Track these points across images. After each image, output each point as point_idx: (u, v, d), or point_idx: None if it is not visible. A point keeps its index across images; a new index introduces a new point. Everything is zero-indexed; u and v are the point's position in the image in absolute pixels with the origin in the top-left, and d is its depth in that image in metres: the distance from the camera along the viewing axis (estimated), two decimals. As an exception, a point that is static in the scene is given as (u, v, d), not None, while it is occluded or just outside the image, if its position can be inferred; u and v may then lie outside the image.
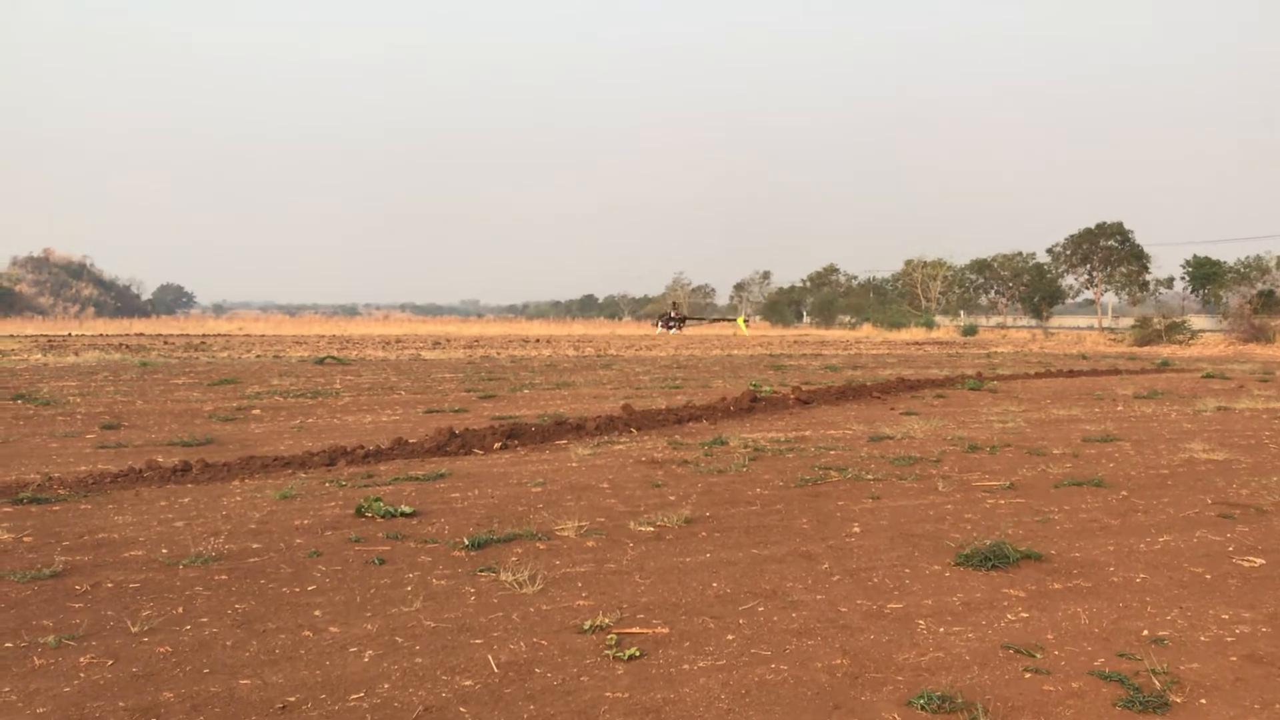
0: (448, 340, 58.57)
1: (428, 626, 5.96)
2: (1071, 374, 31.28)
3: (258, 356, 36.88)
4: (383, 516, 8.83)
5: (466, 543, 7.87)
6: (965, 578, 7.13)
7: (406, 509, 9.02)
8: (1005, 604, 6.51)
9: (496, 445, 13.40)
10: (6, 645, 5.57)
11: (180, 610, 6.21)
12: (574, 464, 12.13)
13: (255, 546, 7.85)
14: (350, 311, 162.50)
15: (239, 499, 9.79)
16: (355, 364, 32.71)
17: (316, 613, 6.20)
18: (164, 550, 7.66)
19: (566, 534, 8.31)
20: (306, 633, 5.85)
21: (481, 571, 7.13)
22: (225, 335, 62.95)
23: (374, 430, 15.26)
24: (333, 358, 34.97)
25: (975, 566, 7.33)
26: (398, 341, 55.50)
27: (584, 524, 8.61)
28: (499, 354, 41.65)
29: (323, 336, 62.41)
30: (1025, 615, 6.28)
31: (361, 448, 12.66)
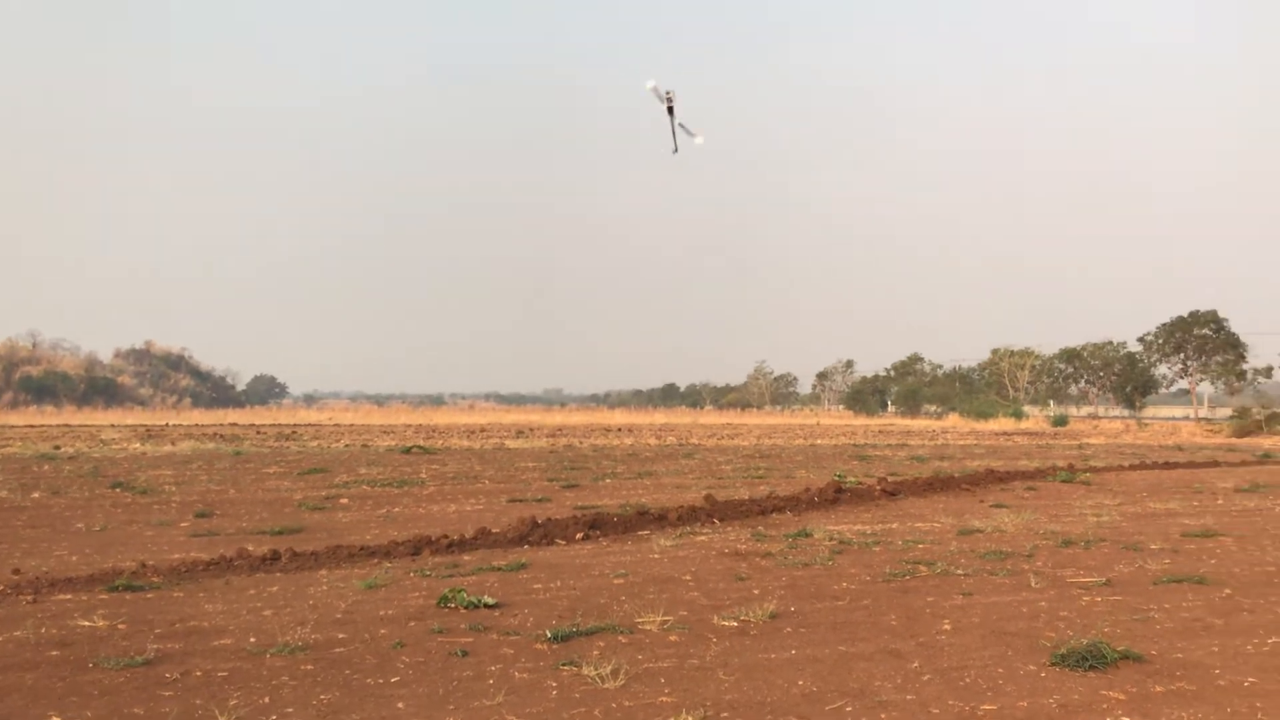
0: (531, 429, 59.07)
1: (510, 720, 5.92)
2: (1168, 466, 30.30)
3: (346, 446, 37.58)
4: (466, 607, 8.85)
5: (549, 635, 7.84)
6: (1061, 679, 6.87)
7: (489, 600, 9.03)
8: (1104, 707, 6.25)
9: (579, 535, 13.40)
10: (100, 731, 5.67)
11: (267, 700, 6.27)
12: (656, 555, 12.05)
13: (340, 636, 7.91)
14: (436, 401, 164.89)
15: (325, 588, 9.91)
16: (440, 453, 33.12)
17: (400, 704, 6.21)
18: (252, 639, 7.77)
19: (649, 628, 8.23)
20: (390, 725, 5.85)
21: (564, 665, 7.08)
22: (315, 425, 64.36)
23: (458, 519, 15.38)
24: (419, 447, 35.48)
25: (1072, 667, 7.07)
26: (482, 431, 56.12)
27: (667, 617, 8.52)
28: (581, 443, 41.83)
29: (409, 426, 63.49)
30: (1126, 719, 6.02)
31: (446, 537, 12.76)
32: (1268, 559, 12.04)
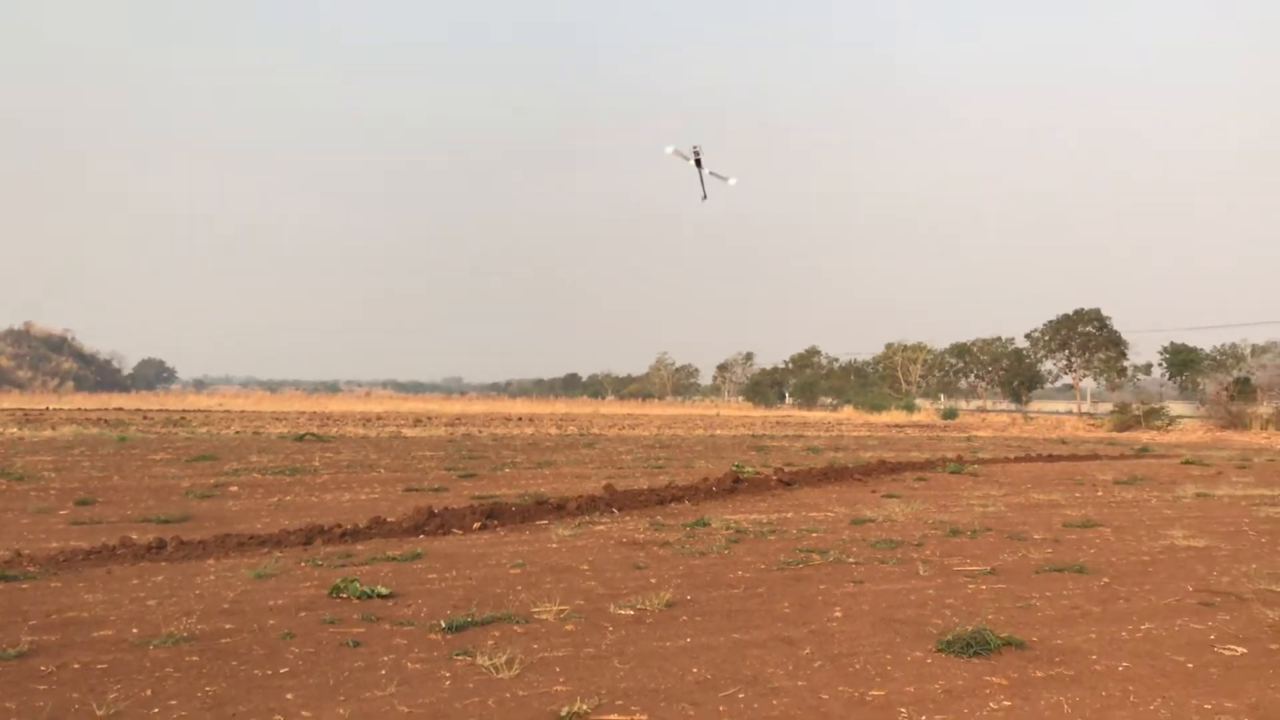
0: (429, 418, 58.41)
1: (401, 711, 5.85)
2: (1051, 459, 31.36)
3: (237, 433, 36.67)
4: (358, 597, 8.71)
5: (443, 625, 7.76)
6: (947, 665, 7.06)
7: (383, 590, 8.90)
8: (987, 692, 6.44)
9: (476, 525, 13.29)
10: (-32, 728, 5.43)
11: (149, 693, 6.07)
12: (554, 545, 12.03)
13: (228, 627, 7.72)
14: (331, 388, 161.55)
15: (213, 578, 9.65)
16: (335, 441, 32.54)
17: (289, 696, 6.08)
18: (134, 630, 7.53)
19: (545, 617, 8.20)
20: (278, 717, 5.73)
21: (458, 655, 7.02)
22: (205, 411, 62.65)
23: (352, 509, 15.12)
24: (312, 435, 34.79)
25: (957, 653, 7.27)
26: (378, 419, 55.30)
27: (563, 607, 8.51)
28: (480, 432, 41.53)
29: (303, 413, 62.23)
30: (1008, 704, 6.21)
31: (339, 526, 12.53)
32: (1143, 549, 12.55)
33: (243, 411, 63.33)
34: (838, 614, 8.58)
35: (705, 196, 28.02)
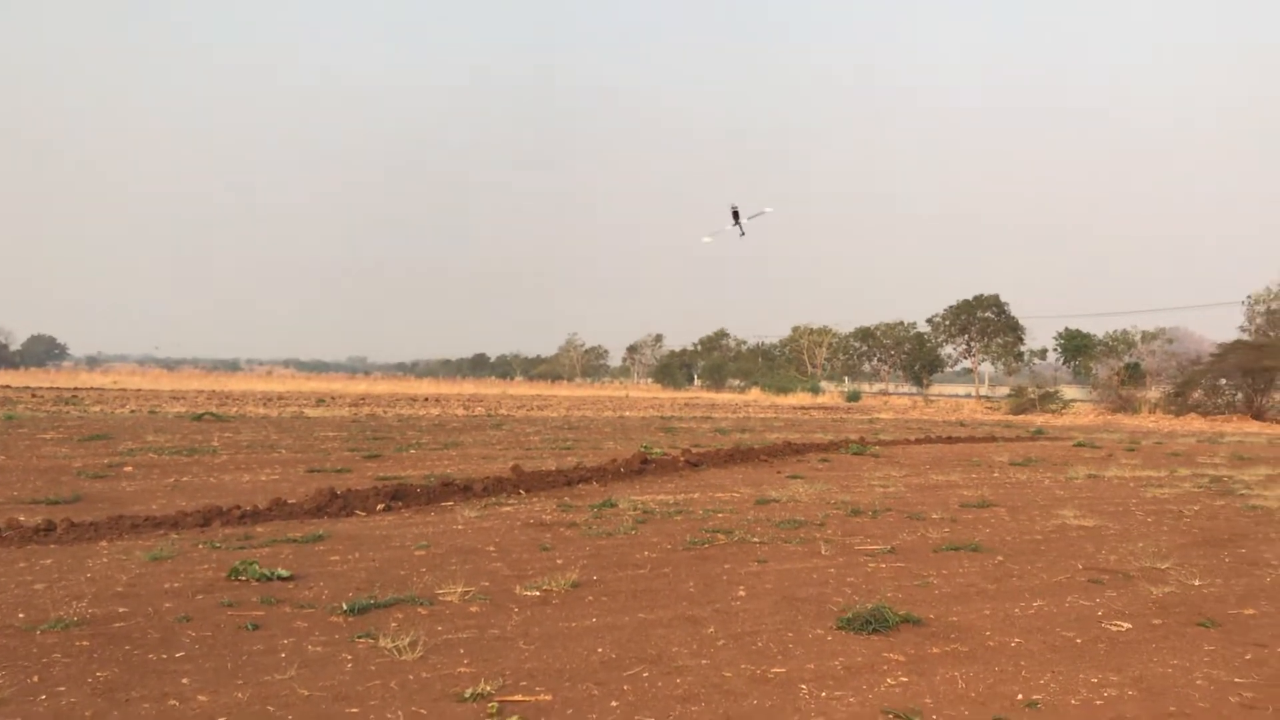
0: (332, 398, 57.44)
1: (301, 695, 5.76)
2: (950, 440, 32.16)
3: (132, 412, 35.60)
4: (258, 580, 8.54)
5: (345, 608, 7.66)
6: (847, 641, 7.20)
7: (283, 572, 8.74)
8: (885, 668, 6.60)
9: (380, 507, 13.13)
10: None
11: (36, 679, 5.87)
12: (460, 526, 11.95)
13: (121, 611, 7.50)
14: (232, 367, 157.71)
15: (106, 560, 9.36)
16: (235, 421, 31.81)
17: (184, 680, 5.93)
18: (21, 615, 7.26)
19: (450, 599, 8.15)
20: (173, 702, 5.59)
21: (360, 638, 6.93)
22: (99, 389, 60.62)
23: (252, 490, 14.81)
24: (211, 414, 33.95)
25: (857, 630, 7.42)
26: (280, 398, 54.19)
27: (468, 588, 8.46)
28: (385, 413, 40.98)
29: (202, 392, 60.66)
30: (905, 679, 6.37)
31: (238, 508, 12.26)
32: (1035, 528, 12.95)
33: (139, 390, 61.42)
34: (741, 593, 8.69)
35: (743, 234, 29.05)
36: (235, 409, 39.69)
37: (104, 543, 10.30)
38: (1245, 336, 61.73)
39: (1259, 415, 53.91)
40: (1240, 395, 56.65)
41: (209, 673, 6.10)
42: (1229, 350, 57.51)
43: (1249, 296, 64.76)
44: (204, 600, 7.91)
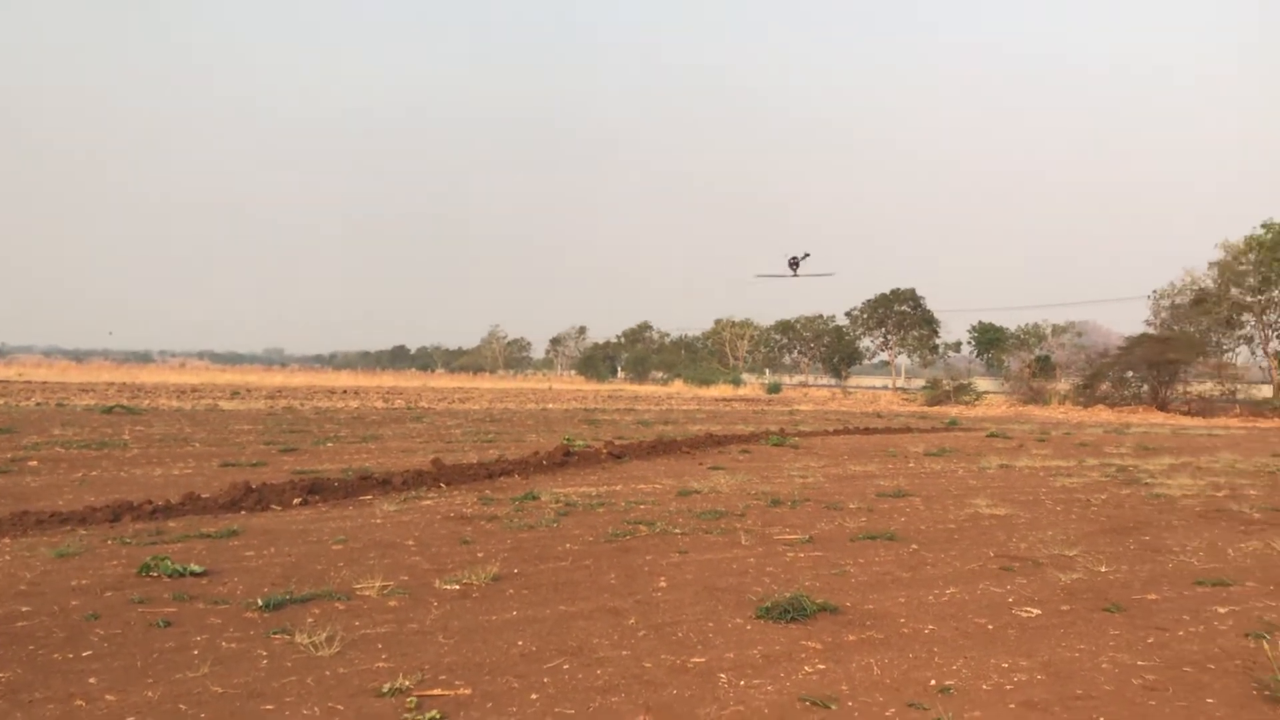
0: (248, 390, 56.32)
1: (215, 692, 5.65)
2: (868, 431, 32.69)
3: (38, 404, 34.51)
4: (170, 576, 8.35)
5: (260, 603, 7.52)
6: (766, 630, 7.29)
7: (196, 568, 8.56)
8: (803, 656, 6.69)
9: (296, 501, 12.92)
10: None
11: (-68, 683, 5.67)
12: (379, 520, 11.81)
13: (25, 609, 7.27)
14: (144, 358, 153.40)
15: (8, 558, 9.07)
16: (147, 414, 31.02)
17: (92, 680, 5.78)
18: (-84, 616, 7.01)
19: (368, 593, 8.05)
20: (80, 702, 5.44)
21: (275, 633, 6.82)
22: (3, 381, 58.58)
23: (164, 484, 14.46)
24: (122, 407, 33.06)
25: (775, 619, 7.51)
26: (194, 391, 52.98)
27: (387, 583, 8.37)
28: (303, 405, 40.31)
29: (112, 384, 59.00)
30: (822, 667, 6.46)
31: (150, 503, 11.95)
32: (949, 517, 13.23)
33: (45, 382, 59.48)
34: (662, 584, 8.74)
35: (796, 275, 29.81)
36: (147, 402, 38.69)
37: (6, 540, 9.97)
38: (1151, 330, 63.73)
39: (1163, 406, 55.70)
40: (1146, 387, 58.45)
41: (118, 671, 5.95)
42: (1135, 344, 59.32)
43: (1154, 291, 66.98)
44: (113, 597, 7.70)
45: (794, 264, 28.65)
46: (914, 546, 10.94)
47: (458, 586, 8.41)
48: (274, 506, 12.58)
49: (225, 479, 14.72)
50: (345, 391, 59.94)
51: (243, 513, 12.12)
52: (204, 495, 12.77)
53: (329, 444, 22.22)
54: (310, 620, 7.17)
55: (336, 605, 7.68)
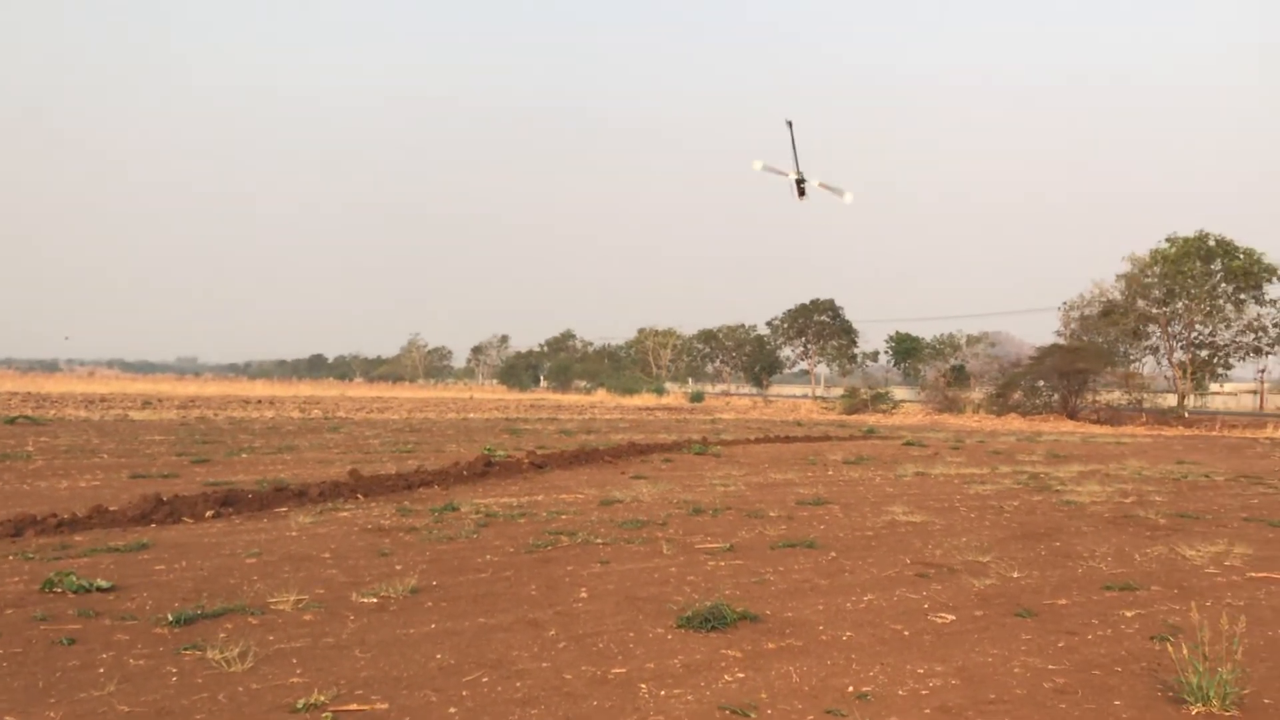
0: (159, 400, 54.91)
1: (121, 711, 5.48)
2: (788, 440, 33.00)
3: (-66, 415, 33.20)
4: (75, 592, 8.09)
5: (170, 619, 7.33)
6: (686, 640, 7.30)
7: (103, 583, 8.30)
8: (723, 665, 6.72)
9: (209, 513, 12.62)
10: None
11: None
12: (294, 533, 11.59)
13: (-82, 630, 6.98)
14: (50, 367, 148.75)
15: (-100, 576, 8.71)
16: (52, 424, 30.07)
17: (-11, 703, 5.57)
18: None
19: (282, 607, 7.89)
20: (-25, 726, 5.24)
21: (186, 649, 6.64)
22: (-105, 391, 56.33)
23: (70, 497, 14.01)
24: (26, 417, 31.99)
25: (696, 628, 7.53)
26: (103, 400, 51.49)
27: (302, 596, 8.22)
28: (216, 415, 39.44)
29: (15, 393, 57.07)
30: (741, 675, 6.50)
31: (54, 516, 11.57)
32: (867, 525, 13.41)
33: (-58, 392, 57.36)
34: (583, 594, 8.71)
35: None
36: (53, 411, 37.50)
37: (-100, 556, 9.58)
38: (1061, 341, 65.28)
39: (1073, 415, 57.13)
40: (1056, 396, 59.86)
41: (18, 692, 5.75)
42: (1046, 354, 60.75)
43: (1064, 303, 68.54)
44: (14, 615, 7.44)
45: (801, 189, 28.28)
46: (833, 554, 11.06)
47: (375, 599, 8.29)
48: (186, 519, 12.27)
49: (135, 491, 14.32)
50: (260, 401, 58.78)
51: (153, 526, 11.80)
52: (112, 508, 12.40)
53: (243, 455, 21.75)
54: (222, 635, 7.00)
55: (250, 620, 7.51)
